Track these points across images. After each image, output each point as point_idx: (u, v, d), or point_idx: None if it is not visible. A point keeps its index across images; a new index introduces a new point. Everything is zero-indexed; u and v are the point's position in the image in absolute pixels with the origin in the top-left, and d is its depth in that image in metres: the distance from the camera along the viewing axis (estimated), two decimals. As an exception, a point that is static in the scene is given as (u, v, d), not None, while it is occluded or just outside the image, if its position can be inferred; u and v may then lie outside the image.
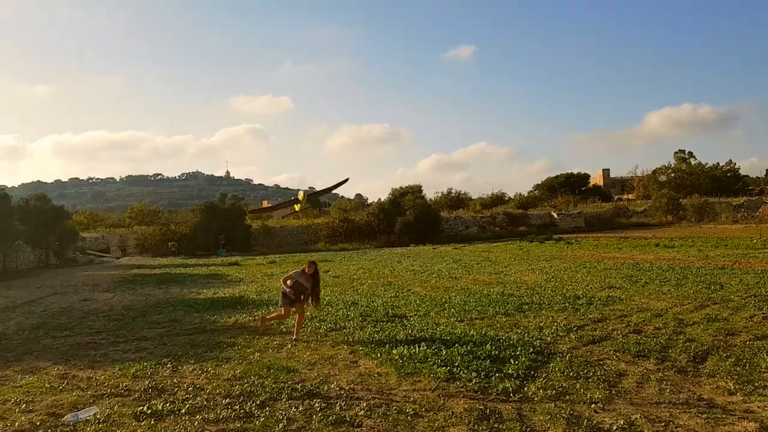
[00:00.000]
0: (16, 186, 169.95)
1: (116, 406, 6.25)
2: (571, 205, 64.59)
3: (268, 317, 10.60)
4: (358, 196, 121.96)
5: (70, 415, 5.88)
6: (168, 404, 6.26)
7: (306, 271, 9.87)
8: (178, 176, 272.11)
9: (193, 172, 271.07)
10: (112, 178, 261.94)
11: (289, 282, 9.84)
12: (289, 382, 7.04)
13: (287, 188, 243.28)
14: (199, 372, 7.70)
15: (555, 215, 57.36)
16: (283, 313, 9.97)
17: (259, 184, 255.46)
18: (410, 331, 9.94)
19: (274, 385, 6.89)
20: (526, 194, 73.07)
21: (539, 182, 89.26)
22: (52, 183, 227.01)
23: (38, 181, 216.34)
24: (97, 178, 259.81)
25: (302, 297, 9.87)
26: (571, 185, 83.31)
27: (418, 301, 13.60)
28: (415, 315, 11.73)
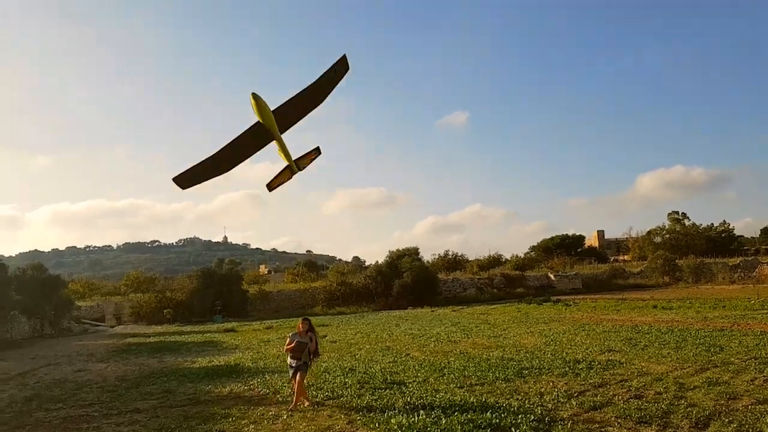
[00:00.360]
0: (14, 255, 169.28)
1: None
2: (567, 267, 64.58)
3: (296, 396, 9.85)
4: (356, 258, 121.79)
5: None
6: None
7: (301, 328, 9.88)
8: (176, 242, 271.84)
9: (190, 238, 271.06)
10: (110, 246, 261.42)
11: (291, 346, 9.76)
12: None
13: (284, 252, 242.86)
14: (193, 445, 7.55)
15: (552, 277, 57.27)
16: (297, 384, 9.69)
17: (257, 249, 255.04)
18: (409, 399, 9.79)
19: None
20: (522, 256, 73.10)
21: (535, 244, 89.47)
22: (49, 252, 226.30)
23: (36, 250, 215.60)
24: (95, 246, 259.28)
25: (310, 357, 9.79)
26: (567, 246, 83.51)
27: (416, 367, 13.44)
28: (414, 381, 11.57)
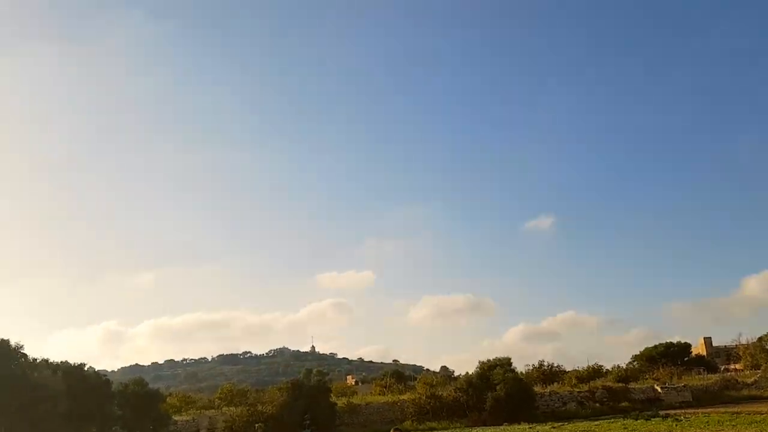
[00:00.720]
0: (116, 370, 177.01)
1: None
2: (674, 378, 59.94)
3: None
4: (444, 368, 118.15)
5: None
6: None
7: None
8: (266, 353, 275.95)
9: (279, 349, 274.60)
10: (205, 358, 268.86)
11: None
12: None
13: (371, 361, 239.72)
14: None
15: (659, 389, 53.25)
16: None
17: (344, 358, 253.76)
18: None
19: None
20: (624, 366, 68.83)
21: (637, 353, 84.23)
22: (148, 366, 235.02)
23: (136, 364, 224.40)
24: (191, 359, 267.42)
25: None
26: (672, 355, 78.02)
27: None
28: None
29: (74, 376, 33.85)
